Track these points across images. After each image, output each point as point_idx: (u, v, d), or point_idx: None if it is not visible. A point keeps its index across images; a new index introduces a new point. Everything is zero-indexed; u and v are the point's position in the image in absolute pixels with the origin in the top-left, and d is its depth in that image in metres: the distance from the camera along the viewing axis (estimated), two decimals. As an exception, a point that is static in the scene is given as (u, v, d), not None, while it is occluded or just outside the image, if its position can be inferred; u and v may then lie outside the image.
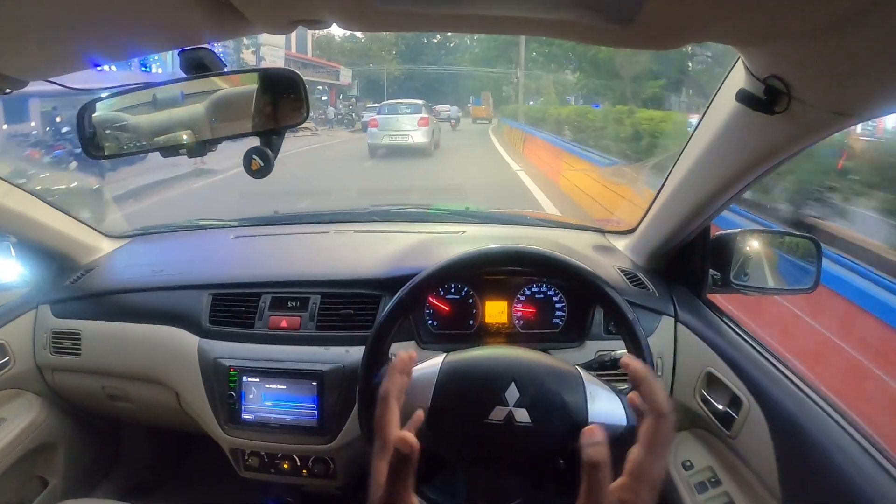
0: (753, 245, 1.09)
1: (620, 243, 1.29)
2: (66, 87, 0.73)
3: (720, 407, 0.92)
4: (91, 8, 0.42)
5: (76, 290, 1.28)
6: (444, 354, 0.78)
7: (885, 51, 0.45)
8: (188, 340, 1.13)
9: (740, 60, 0.67)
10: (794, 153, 0.73)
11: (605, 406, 0.72)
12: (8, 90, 0.58)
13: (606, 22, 0.46)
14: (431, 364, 0.77)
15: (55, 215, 1.26)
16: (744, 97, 0.65)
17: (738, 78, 0.69)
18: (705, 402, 0.96)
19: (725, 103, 0.75)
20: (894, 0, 0.36)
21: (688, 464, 0.98)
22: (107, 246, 1.42)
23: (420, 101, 13.49)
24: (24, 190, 1.17)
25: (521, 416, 0.71)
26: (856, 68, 0.51)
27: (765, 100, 0.62)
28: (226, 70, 0.66)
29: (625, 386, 0.79)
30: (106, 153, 0.71)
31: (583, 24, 0.47)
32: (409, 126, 12.21)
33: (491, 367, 0.75)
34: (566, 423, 0.71)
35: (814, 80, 0.57)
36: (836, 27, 0.42)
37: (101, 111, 0.71)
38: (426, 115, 12.58)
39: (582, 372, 0.75)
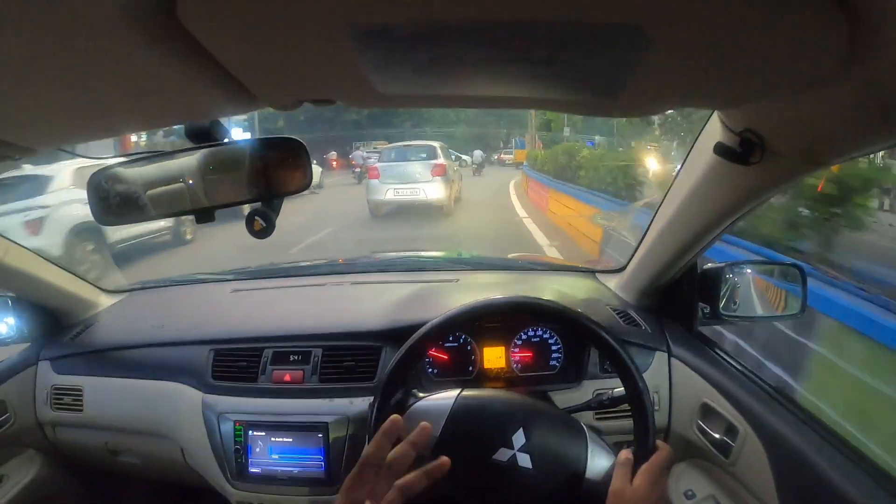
0: (740, 276, 1.13)
1: (611, 282, 1.32)
2: (77, 155, 0.76)
3: (717, 436, 0.94)
4: (102, 82, 0.42)
5: (76, 346, 1.28)
6: (461, 389, 0.81)
7: (851, 107, 0.49)
8: (192, 396, 1.13)
9: (716, 114, 0.72)
10: (770, 197, 0.77)
11: (603, 465, 0.76)
12: (18, 157, 0.60)
13: (594, 97, 0.50)
14: (447, 396, 0.81)
15: (53, 271, 1.27)
16: (720, 150, 0.69)
17: (714, 130, 0.74)
18: (702, 432, 0.98)
19: (703, 154, 0.79)
20: (858, 64, 0.40)
21: (689, 493, 0.99)
22: (105, 301, 1.43)
23: (435, 144, 10.41)
24: (21, 246, 1.18)
25: (524, 460, 0.74)
26: (824, 123, 0.55)
27: (740, 152, 0.66)
28: (230, 140, 0.70)
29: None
30: (116, 220, 0.74)
31: (573, 99, 0.51)
32: (421, 176, 9.25)
33: (503, 409, 0.79)
34: (564, 474, 0.74)
35: (786, 134, 0.62)
36: (805, 88, 0.46)
37: (112, 178, 0.73)
38: (442, 161, 9.55)
39: (588, 430, 0.78)
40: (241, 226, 0.70)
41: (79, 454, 1.30)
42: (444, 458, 0.65)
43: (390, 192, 9.21)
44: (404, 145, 10.81)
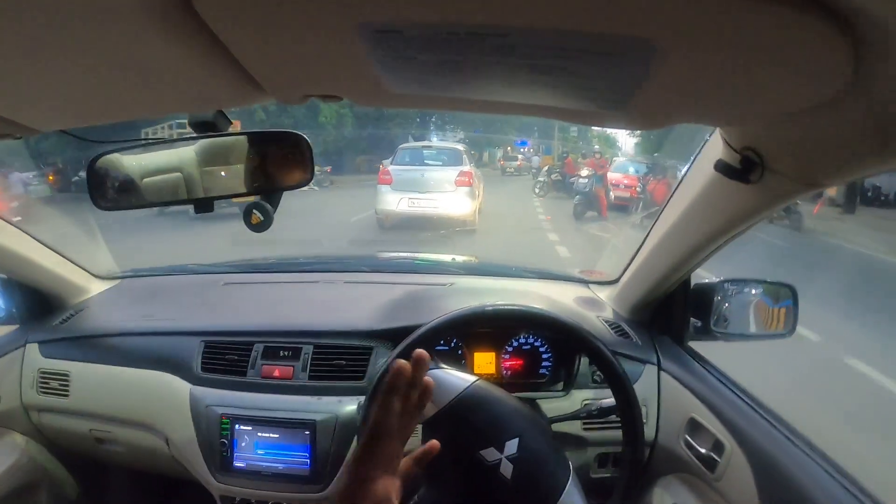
0: (733, 293, 1.13)
1: (604, 294, 1.33)
2: (78, 137, 0.76)
3: (703, 451, 0.94)
4: (111, 68, 0.42)
5: (65, 330, 1.27)
6: (478, 378, 0.80)
7: (851, 131, 0.50)
8: (180, 387, 1.12)
9: (718, 131, 0.73)
10: (767, 216, 0.78)
11: None
12: (19, 136, 0.59)
13: (602, 108, 0.50)
14: (463, 377, 0.80)
15: (45, 253, 1.25)
16: (721, 167, 0.70)
17: (715, 147, 0.74)
18: (689, 446, 0.98)
19: (703, 170, 0.80)
20: (861, 89, 0.41)
21: None
22: (96, 287, 1.42)
23: (459, 146, 8.77)
24: (14, 226, 1.17)
25: (506, 469, 0.74)
26: (823, 145, 0.56)
27: (740, 170, 0.67)
28: (233, 131, 0.70)
29: None
30: (113, 205, 0.74)
31: (580, 109, 0.52)
32: (441, 185, 7.49)
33: (509, 412, 0.78)
34: (535, 500, 0.74)
35: (785, 154, 0.63)
36: (808, 110, 0.46)
37: (111, 164, 0.73)
38: (469, 169, 7.83)
39: (574, 477, 0.77)
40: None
41: (63, 440, 1.29)
42: (434, 442, 0.65)
43: (403, 203, 7.47)
44: (422, 146, 9.05)
